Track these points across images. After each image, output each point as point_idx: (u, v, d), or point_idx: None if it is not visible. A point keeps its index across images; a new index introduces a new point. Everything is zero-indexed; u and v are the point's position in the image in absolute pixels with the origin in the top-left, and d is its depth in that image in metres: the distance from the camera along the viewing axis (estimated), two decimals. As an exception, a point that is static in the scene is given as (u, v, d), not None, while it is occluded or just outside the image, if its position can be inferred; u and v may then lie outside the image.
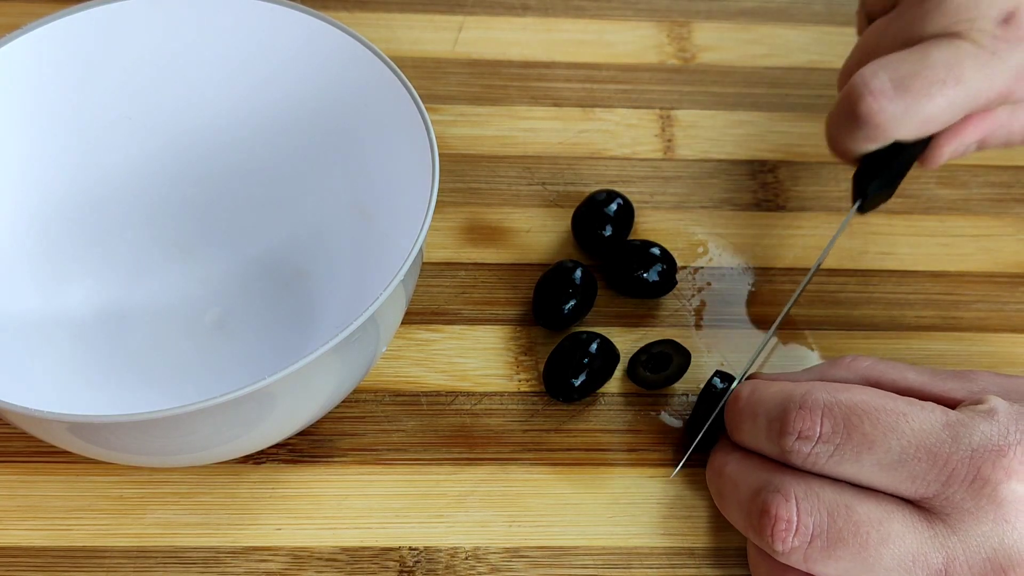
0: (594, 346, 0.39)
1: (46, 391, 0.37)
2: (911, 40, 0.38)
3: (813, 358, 0.42)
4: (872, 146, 0.39)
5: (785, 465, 0.33)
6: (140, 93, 0.41)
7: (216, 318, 0.41)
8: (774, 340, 0.42)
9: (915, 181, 0.47)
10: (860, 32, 0.44)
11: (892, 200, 0.46)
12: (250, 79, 0.41)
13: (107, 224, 0.42)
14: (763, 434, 0.34)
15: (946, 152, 0.40)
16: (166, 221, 0.42)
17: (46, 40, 0.39)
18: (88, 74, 0.40)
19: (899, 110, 0.37)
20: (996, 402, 0.32)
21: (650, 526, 0.37)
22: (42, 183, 0.40)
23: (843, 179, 0.47)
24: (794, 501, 0.32)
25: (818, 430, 0.32)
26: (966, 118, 0.39)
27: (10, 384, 0.35)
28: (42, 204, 0.40)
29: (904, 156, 0.40)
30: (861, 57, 0.40)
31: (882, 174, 0.40)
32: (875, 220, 0.46)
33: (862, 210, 0.41)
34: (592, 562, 0.36)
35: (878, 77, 0.37)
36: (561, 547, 0.37)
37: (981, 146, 0.41)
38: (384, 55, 0.38)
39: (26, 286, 0.39)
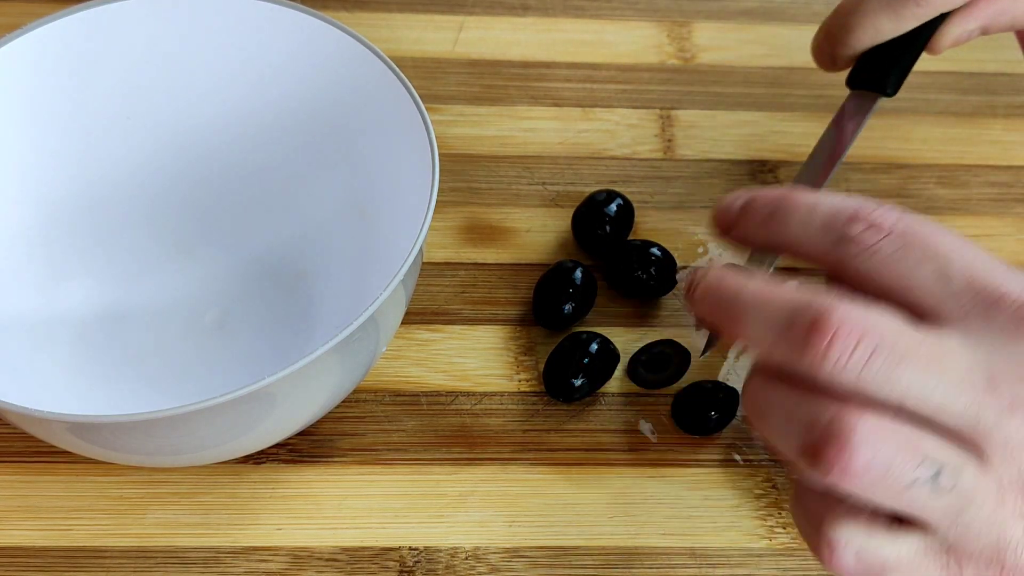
0: (594, 346, 0.39)
1: (46, 391, 0.37)
2: None
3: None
4: (911, 24, 0.41)
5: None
6: (140, 93, 0.41)
7: (216, 318, 0.41)
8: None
9: (915, 181, 0.48)
10: None
11: (892, 200, 0.46)
12: (250, 79, 0.41)
13: (107, 224, 0.42)
14: (818, 227, 0.30)
15: (953, 35, 0.42)
16: (166, 221, 0.42)
17: (46, 40, 0.39)
18: (88, 74, 0.40)
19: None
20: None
21: (650, 526, 0.37)
22: (42, 183, 0.40)
23: (843, 179, 0.47)
24: (851, 310, 0.27)
25: (889, 225, 0.29)
26: (969, 2, 0.40)
27: (10, 384, 0.35)
28: (42, 204, 0.40)
29: (917, 43, 0.42)
30: None
31: (899, 64, 0.42)
32: (875, 220, 0.46)
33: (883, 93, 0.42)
34: (592, 562, 0.36)
35: None
36: (561, 547, 0.37)
37: (985, 31, 0.42)
38: (384, 55, 0.38)
39: (26, 286, 0.39)
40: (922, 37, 0.42)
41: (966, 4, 0.41)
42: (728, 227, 0.33)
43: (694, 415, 0.39)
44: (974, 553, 0.27)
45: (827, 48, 0.43)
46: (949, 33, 0.42)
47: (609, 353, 0.40)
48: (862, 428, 0.26)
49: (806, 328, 0.27)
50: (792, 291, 0.28)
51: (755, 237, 0.32)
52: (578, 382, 0.39)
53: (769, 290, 0.29)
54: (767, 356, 0.29)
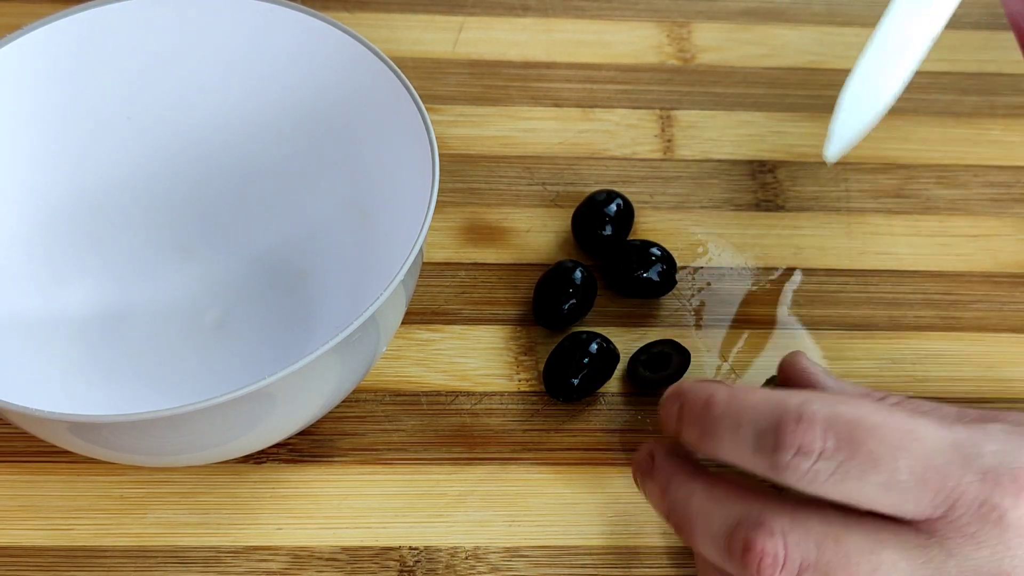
0: (594, 346, 0.39)
1: (46, 391, 0.37)
2: None
3: (817, 355, 0.42)
4: None
5: (765, 492, 0.31)
6: (140, 93, 0.41)
7: (216, 318, 0.41)
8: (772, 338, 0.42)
9: (915, 181, 0.48)
10: None
11: (892, 200, 0.46)
12: (250, 79, 0.41)
13: (107, 224, 0.42)
14: (748, 447, 0.30)
15: None
16: (166, 221, 0.42)
17: (46, 40, 0.39)
18: (88, 74, 0.40)
19: None
20: (1013, 415, 0.31)
21: (650, 526, 0.37)
22: (42, 183, 0.40)
23: (843, 179, 0.47)
24: (780, 536, 0.29)
25: (819, 445, 0.29)
26: None
27: (10, 384, 0.35)
28: (42, 204, 0.40)
29: None
30: None
31: None
32: (875, 220, 0.46)
33: None
34: (592, 562, 0.36)
35: None
36: (561, 547, 0.37)
37: None
38: (384, 55, 0.38)
39: (26, 286, 0.39)
40: None
41: None
42: (675, 433, 0.33)
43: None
44: None
45: None
46: None
47: (609, 353, 0.40)
48: None
49: (740, 549, 0.30)
50: (730, 502, 0.31)
51: (699, 451, 0.33)
52: (578, 382, 0.39)
53: (705, 508, 0.31)
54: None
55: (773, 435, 0.29)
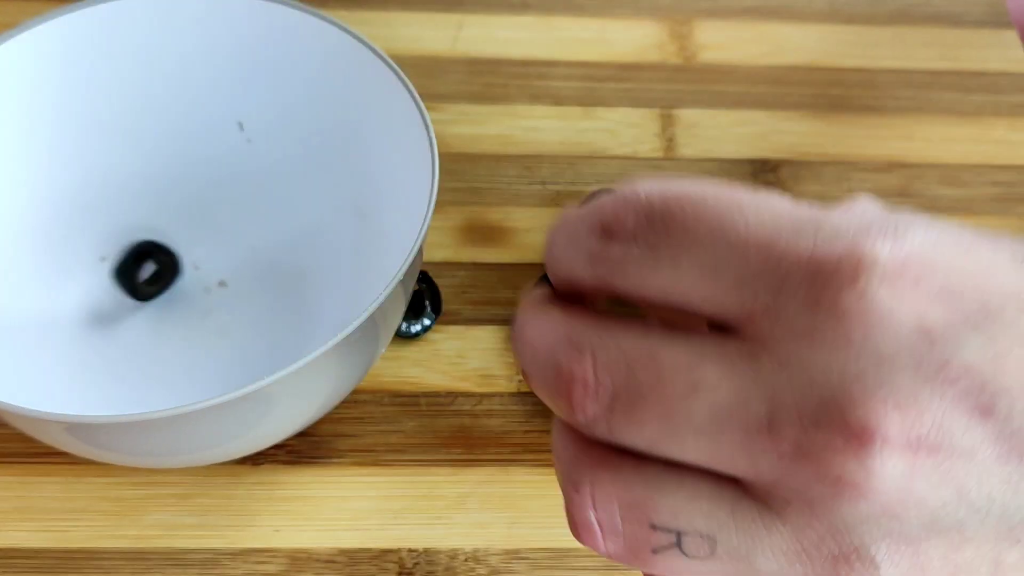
0: None
1: (44, 391, 0.37)
2: None
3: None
4: None
5: (586, 312, 0.25)
6: (139, 93, 0.41)
7: (216, 318, 0.41)
8: None
9: (918, 180, 0.47)
10: None
11: (895, 199, 0.46)
12: (250, 78, 0.41)
13: (105, 224, 0.42)
14: (574, 246, 0.24)
15: None
16: (165, 221, 0.42)
17: (45, 39, 0.39)
18: (87, 73, 0.40)
19: None
20: (863, 198, 0.23)
21: (651, 527, 0.37)
22: (40, 183, 0.40)
23: (845, 179, 0.47)
24: (589, 354, 0.23)
25: (631, 224, 0.23)
26: None
27: (8, 384, 0.35)
28: (42, 204, 0.40)
29: None
30: None
31: None
32: (877, 219, 0.46)
33: None
34: (592, 563, 0.36)
35: None
36: (561, 549, 0.37)
37: None
38: (383, 53, 0.38)
39: (25, 286, 0.39)
40: None
41: None
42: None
43: None
44: None
45: None
46: None
47: None
48: (589, 512, 0.24)
49: (554, 384, 0.24)
50: (550, 328, 0.24)
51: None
52: None
53: (532, 328, 0.25)
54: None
55: (589, 219, 0.24)
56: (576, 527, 0.24)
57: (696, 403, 0.22)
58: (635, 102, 0.49)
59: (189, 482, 0.37)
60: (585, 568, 0.36)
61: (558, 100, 0.49)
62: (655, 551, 0.23)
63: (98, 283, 0.41)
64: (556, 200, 0.46)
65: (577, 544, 0.37)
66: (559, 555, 0.36)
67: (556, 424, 0.25)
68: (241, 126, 0.42)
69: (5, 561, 0.35)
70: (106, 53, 0.40)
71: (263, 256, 0.42)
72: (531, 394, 0.40)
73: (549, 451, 0.39)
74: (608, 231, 0.23)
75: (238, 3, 0.40)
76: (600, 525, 0.24)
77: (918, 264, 0.20)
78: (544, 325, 0.25)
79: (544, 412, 0.40)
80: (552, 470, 0.39)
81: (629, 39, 0.52)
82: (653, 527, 0.23)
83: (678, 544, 0.22)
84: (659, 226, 0.23)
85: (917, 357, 0.20)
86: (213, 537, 0.36)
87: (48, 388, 0.37)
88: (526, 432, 0.39)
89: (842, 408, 0.20)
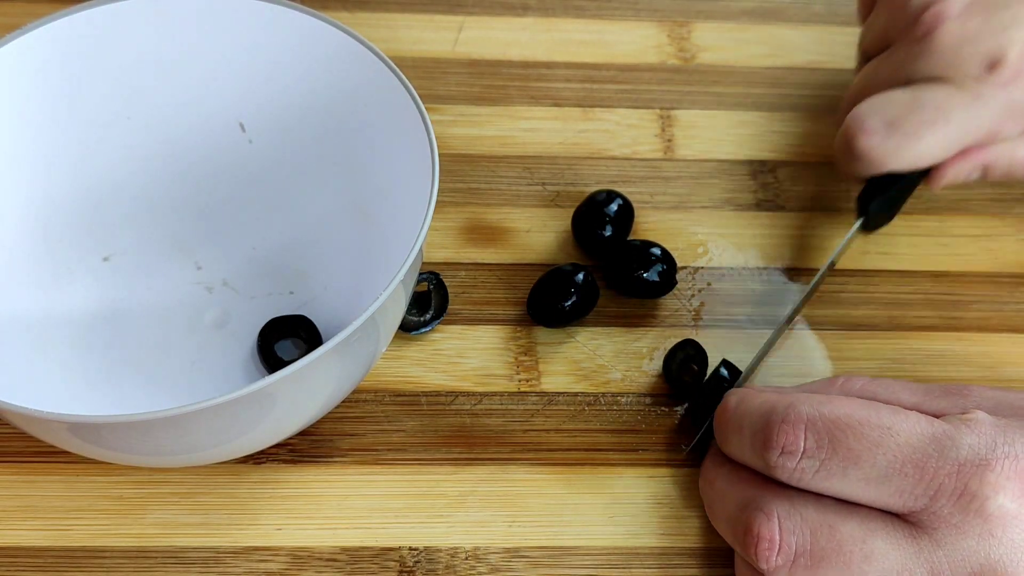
0: (580, 276, 0.41)
1: (46, 391, 0.37)
2: (903, 80, 0.40)
3: (819, 355, 0.42)
4: (870, 174, 0.41)
5: (771, 480, 0.33)
6: (139, 93, 0.41)
7: (216, 318, 0.41)
8: (780, 338, 0.42)
9: (915, 181, 0.47)
10: (858, 69, 0.45)
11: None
12: (250, 79, 0.41)
13: (107, 224, 0.42)
14: (748, 447, 0.33)
15: (947, 177, 0.41)
16: (166, 221, 0.42)
17: (46, 40, 0.39)
18: (88, 74, 0.40)
19: (891, 147, 0.39)
20: (980, 414, 0.32)
21: (650, 526, 0.37)
22: (42, 183, 0.40)
23: (843, 180, 0.47)
24: (776, 520, 0.32)
25: (802, 445, 0.32)
26: (964, 150, 0.40)
27: (10, 384, 0.35)
28: (42, 204, 0.40)
29: (904, 183, 0.42)
30: (859, 92, 0.42)
31: (882, 197, 0.42)
32: (875, 220, 0.46)
33: (865, 228, 0.43)
34: (592, 562, 0.36)
35: (871, 118, 0.40)
36: (561, 547, 0.37)
37: (985, 175, 0.41)
38: (384, 55, 0.38)
39: (26, 286, 0.39)
40: (907, 181, 0.42)
41: (955, 155, 0.40)
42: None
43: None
44: None
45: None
46: (942, 177, 0.41)
47: (591, 284, 0.41)
48: None
49: (742, 530, 0.33)
50: (742, 485, 0.34)
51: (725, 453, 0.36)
52: (564, 307, 0.40)
53: (723, 488, 0.35)
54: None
55: (763, 435, 0.32)
56: None
57: (871, 567, 0.30)
58: (634, 103, 0.50)
59: (191, 481, 0.37)
60: (584, 566, 0.36)
61: (558, 101, 0.49)
62: None
63: (99, 283, 0.41)
64: (556, 200, 0.46)
65: (576, 542, 0.37)
66: (559, 553, 0.36)
67: (739, 558, 0.34)
68: (242, 127, 0.42)
69: (7, 560, 0.35)
70: (107, 54, 0.40)
71: (264, 256, 0.42)
72: (531, 393, 0.40)
73: (548, 450, 0.39)
74: (783, 450, 0.32)
75: (239, 5, 0.40)
76: None
77: None
78: (734, 485, 0.34)
79: (543, 412, 0.40)
80: (552, 469, 0.39)
81: (628, 41, 0.52)
82: None
83: None
84: (827, 447, 0.31)
85: None
86: (215, 535, 0.36)
87: (50, 387, 0.37)
88: (526, 431, 0.39)
89: None
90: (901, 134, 0.39)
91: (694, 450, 0.38)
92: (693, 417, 0.39)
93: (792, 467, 0.32)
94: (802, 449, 0.32)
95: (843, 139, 0.41)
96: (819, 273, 0.42)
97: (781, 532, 0.32)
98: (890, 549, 0.31)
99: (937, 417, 0.33)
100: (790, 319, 0.41)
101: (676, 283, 0.43)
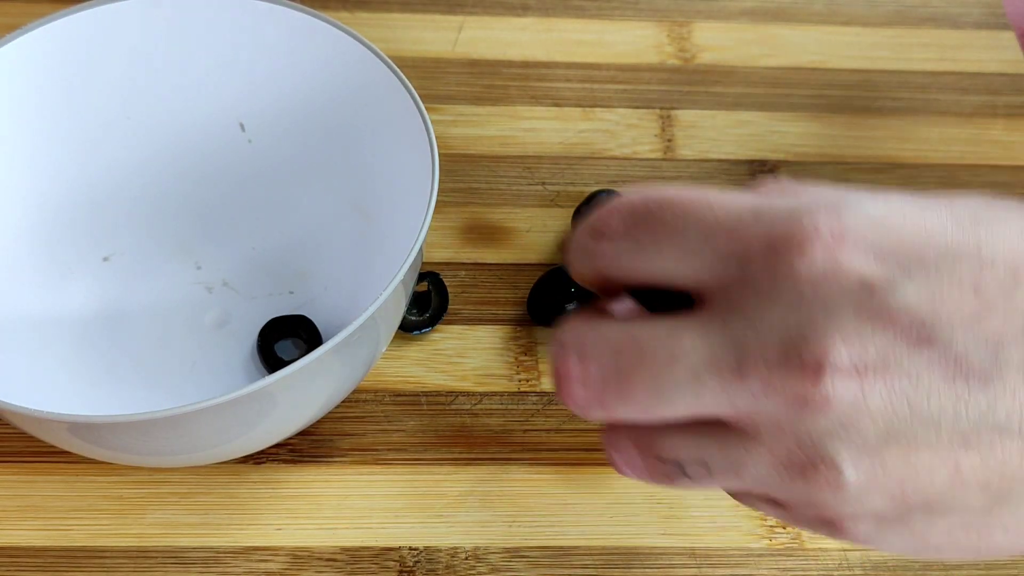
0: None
1: (46, 391, 0.37)
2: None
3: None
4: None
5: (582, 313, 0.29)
6: (139, 93, 0.41)
7: (216, 318, 0.41)
8: None
9: (915, 181, 0.47)
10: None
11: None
12: (249, 79, 0.41)
13: (107, 224, 0.42)
14: (580, 250, 0.29)
15: None
16: (166, 221, 0.42)
17: (46, 40, 0.39)
18: (87, 74, 0.40)
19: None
20: (809, 187, 0.28)
21: (650, 526, 0.37)
22: (42, 183, 0.40)
23: (844, 179, 0.47)
24: (574, 350, 0.27)
25: (618, 225, 0.28)
26: None
27: (10, 384, 0.35)
28: (42, 204, 0.40)
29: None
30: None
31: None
32: (875, 220, 0.46)
33: None
34: (592, 562, 0.36)
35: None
36: (561, 547, 0.37)
37: None
38: (384, 55, 0.38)
39: (26, 286, 0.39)
40: None
41: None
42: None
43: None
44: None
45: None
46: None
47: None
48: (614, 452, 0.29)
49: (554, 379, 0.28)
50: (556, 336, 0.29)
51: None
52: (568, 303, 0.40)
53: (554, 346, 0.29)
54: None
55: (590, 228, 0.29)
56: (611, 464, 0.29)
57: (677, 368, 0.26)
58: (634, 103, 0.50)
59: (191, 481, 0.37)
60: (584, 566, 0.36)
61: (558, 101, 0.49)
62: (668, 476, 0.28)
63: (99, 283, 0.41)
64: (556, 200, 0.46)
65: (576, 542, 0.37)
66: (558, 553, 0.36)
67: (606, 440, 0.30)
68: (242, 127, 0.42)
69: (7, 559, 0.35)
70: (108, 54, 0.40)
71: (264, 256, 0.42)
72: (531, 393, 0.40)
73: (548, 450, 0.39)
74: (601, 233, 0.28)
75: (239, 4, 0.40)
76: (624, 463, 0.29)
77: (854, 232, 0.25)
78: (554, 334, 0.29)
79: (543, 412, 0.40)
80: (552, 469, 0.39)
81: (628, 41, 0.52)
82: (662, 460, 0.28)
83: (683, 471, 0.28)
84: (642, 223, 0.28)
85: (858, 303, 0.24)
86: (215, 535, 0.36)
87: (50, 388, 0.37)
88: (526, 431, 0.39)
89: (798, 348, 0.25)
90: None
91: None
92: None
93: (611, 250, 0.28)
94: (617, 227, 0.28)
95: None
96: None
97: (581, 360, 0.27)
98: (698, 341, 0.26)
99: None
100: None
101: None
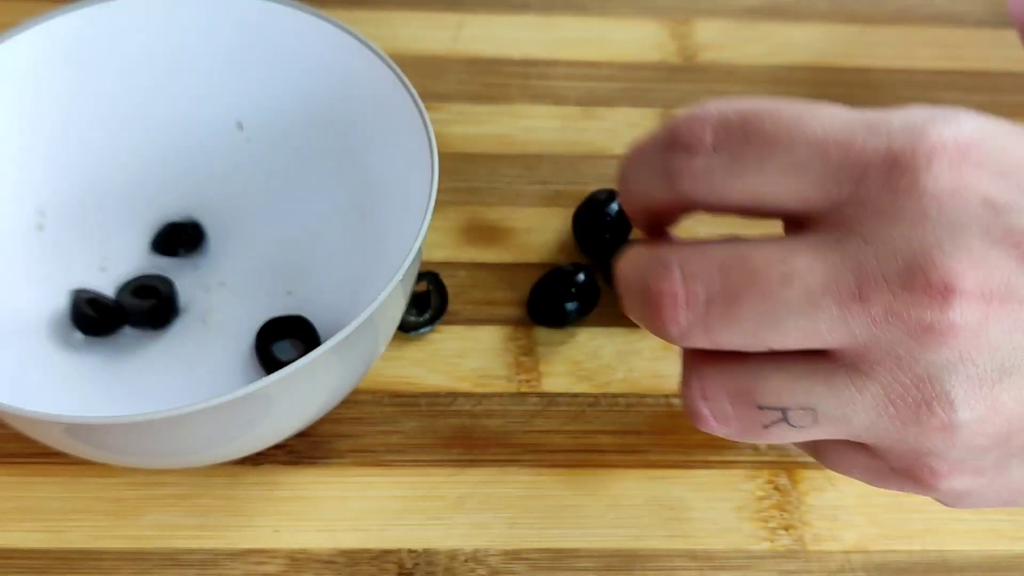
0: (581, 276, 0.41)
1: (44, 392, 0.37)
2: None
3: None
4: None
5: (675, 239, 0.28)
6: (139, 92, 0.41)
7: (216, 318, 0.41)
8: None
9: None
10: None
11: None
12: (248, 77, 0.41)
13: (106, 224, 0.42)
14: (648, 169, 0.27)
15: None
16: (164, 220, 0.42)
17: (45, 39, 0.39)
18: (86, 73, 0.40)
19: None
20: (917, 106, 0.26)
21: (651, 528, 0.37)
22: (41, 183, 0.40)
23: (846, 178, 0.47)
24: (677, 269, 0.25)
25: (710, 137, 0.25)
26: None
27: (7, 385, 0.35)
28: (41, 204, 0.40)
29: None
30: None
31: None
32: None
33: None
34: (592, 564, 0.36)
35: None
36: (561, 549, 0.36)
37: None
38: (383, 53, 0.38)
39: (22, 286, 0.39)
40: None
41: None
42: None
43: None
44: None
45: None
46: None
47: (592, 284, 0.41)
48: (702, 402, 0.26)
49: (645, 306, 0.26)
50: (638, 258, 0.27)
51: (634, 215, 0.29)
52: (568, 303, 0.40)
53: (624, 263, 0.27)
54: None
55: (664, 141, 0.26)
56: (692, 418, 0.26)
57: (791, 290, 0.24)
58: (635, 102, 0.49)
59: (188, 482, 0.37)
60: (585, 569, 0.36)
61: (558, 100, 0.49)
62: (765, 427, 0.26)
63: (98, 283, 0.41)
64: (556, 200, 0.46)
65: (576, 544, 0.37)
66: (559, 556, 0.36)
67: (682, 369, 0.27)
68: (240, 126, 0.42)
69: (3, 561, 0.35)
70: (105, 53, 0.40)
71: (263, 256, 0.42)
72: (531, 394, 0.40)
73: (548, 451, 0.39)
74: (687, 147, 0.25)
75: (238, 3, 0.39)
76: (713, 414, 0.26)
77: (977, 149, 0.24)
78: (633, 258, 0.27)
79: (543, 413, 0.40)
80: (552, 470, 0.39)
81: (629, 39, 0.52)
82: (760, 408, 0.25)
83: (785, 418, 0.25)
84: (739, 136, 0.25)
85: (985, 225, 0.23)
86: (212, 537, 0.36)
87: (47, 389, 0.37)
88: (526, 432, 0.39)
89: (925, 270, 0.23)
90: None
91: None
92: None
93: (701, 166, 0.25)
94: (711, 141, 0.25)
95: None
96: None
97: (684, 279, 0.25)
98: (814, 262, 0.24)
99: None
100: None
101: None
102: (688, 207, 0.27)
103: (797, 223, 0.26)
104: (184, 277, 0.41)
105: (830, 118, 0.25)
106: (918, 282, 0.23)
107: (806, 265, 0.24)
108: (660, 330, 0.26)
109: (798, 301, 0.24)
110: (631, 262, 0.27)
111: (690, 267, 0.25)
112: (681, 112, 0.26)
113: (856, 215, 0.24)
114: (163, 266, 0.42)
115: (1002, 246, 0.23)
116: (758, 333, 0.25)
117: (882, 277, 0.24)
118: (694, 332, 0.25)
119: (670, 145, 0.26)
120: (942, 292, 0.23)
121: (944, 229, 0.24)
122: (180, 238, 0.41)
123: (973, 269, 0.23)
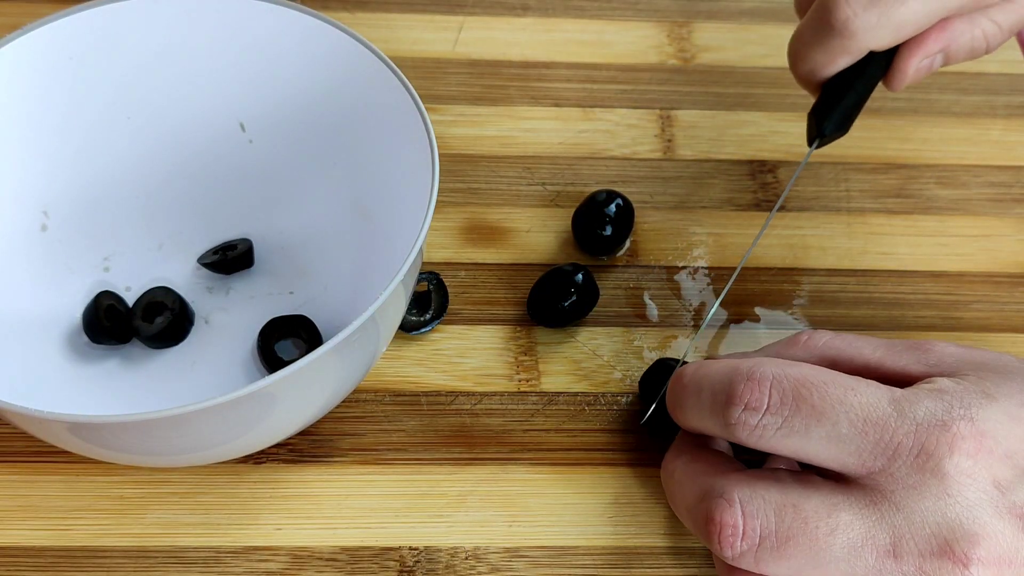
0: (579, 276, 0.41)
1: (46, 391, 0.37)
2: None
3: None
4: (845, 60, 0.39)
5: (730, 468, 0.33)
6: (139, 93, 0.41)
7: (216, 318, 0.41)
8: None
9: (915, 181, 0.48)
10: None
11: (892, 200, 0.46)
12: (250, 79, 0.41)
13: (107, 224, 0.42)
14: (707, 409, 0.33)
15: (912, 67, 0.39)
16: (166, 221, 0.42)
17: (46, 40, 0.39)
18: (87, 74, 0.40)
19: (873, 17, 0.37)
20: (943, 381, 0.32)
21: (650, 526, 0.37)
22: (41, 183, 0.40)
23: (843, 179, 0.47)
24: (738, 505, 0.32)
25: (766, 401, 0.31)
26: (926, 31, 0.38)
27: (10, 384, 0.35)
28: (41, 204, 0.40)
29: (862, 86, 0.40)
30: None
31: (838, 109, 0.40)
32: (875, 220, 0.46)
33: (820, 142, 0.41)
34: (592, 562, 0.36)
35: None
36: (561, 547, 0.37)
37: (947, 60, 0.40)
38: (384, 55, 0.38)
39: (25, 285, 0.39)
40: (867, 74, 0.39)
41: (917, 36, 0.38)
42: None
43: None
44: None
45: (793, 73, 0.41)
46: (907, 65, 0.39)
47: (591, 284, 0.41)
48: None
49: (703, 520, 0.32)
50: (701, 476, 0.34)
51: (678, 422, 0.36)
52: (564, 307, 0.40)
53: (682, 479, 0.35)
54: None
55: (725, 394, 0.32)
56: None
57: (836, 540, 0.31)
58: (634, 103, 0.50)
59: (191, 480, 0.37)
60: (584, 566, 0.36)
61: (558, 101, 0.49)
62: None
63: (99, 282, 0.41)
64: (556, 200, 0.46)
65: (576, 542, 0.37)
66: (558, 553, 0.37)
67: (717, 559, 0.34)
68: (243, 127, 0.42)
69: (7, 559, 0.35)
70: (107, 55, 0.40)
71: (264, 255, 0.42)
72: (531, 393, 0.40)
73: (548, 450, 0.39)
74: (747, 406, 0.32)
75: (239, 5, 0.40)
76: None
77: (989, 438, 0.31)
78: (693, 475, 0.34)
79: (543, 412, 0.40)
80: (552, 468, 0.39)
81: (628, 41, 0.52)
82: None
83: None
84: (791, 404, 0.31)
85: (994, 503, 0.30)
86: (215, 535, 0.36)
87: (50, 388, 0.37)
88: (526, 431, 0.39)
89: (949, 542, 0.30)
90: (884, 2, 0.37)
91: (648, 425, 0.38)
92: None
93: (755, 423, 0.32)
94: (766, 405, 0.31)
95: (819, 15, 0.38)
96: (773, 209, 0.42)
97: (744, 517, 0.31)
98: (854, 519, 0.31)
99: (902, 373, 0.34)
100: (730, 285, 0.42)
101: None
102: (738, 442, 0.33)
103: (841, 476, 0.32)
104: (186, 277, 0.42)
105: (868, 396, 0.31)
106: (945, 551, 0.30)
107: (848, 521, 0.31)
108: (716, 550, 0.32)
109: (842, 550, 0.31)
110: (691, 478, 0.34)
111: (749, 505, 0.32)
112: (743, 367, 0.32)
113: (888, 485, 0.31)
114: (165, 267, 0.42)
115: (1008, 517, 0.30)
116: (802, 570, 0.31)
117: (913, 541, 0.30)
118: (745, 558, 0.32)
119: (731, 399, 0.32)
120: (963, 560, 0.30)
121: (962, 506, 0.30)
122: (230, 257, 0.41)
123: (986, 540, 0.30)
